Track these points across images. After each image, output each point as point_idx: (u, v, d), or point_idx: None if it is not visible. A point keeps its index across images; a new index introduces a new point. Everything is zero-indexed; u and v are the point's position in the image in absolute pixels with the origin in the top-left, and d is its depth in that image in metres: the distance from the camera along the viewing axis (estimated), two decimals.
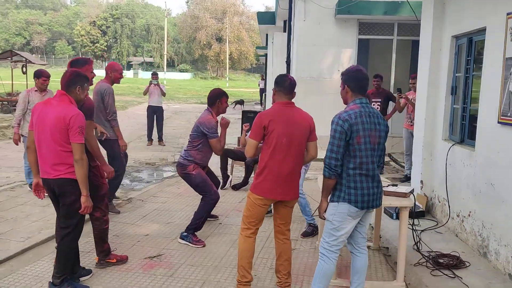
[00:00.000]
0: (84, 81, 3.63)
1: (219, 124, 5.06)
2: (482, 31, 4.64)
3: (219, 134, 4.99)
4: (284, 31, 16.35)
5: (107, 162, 5.22)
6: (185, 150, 5.09)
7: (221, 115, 5.13)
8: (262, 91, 25.71)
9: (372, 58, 10.57)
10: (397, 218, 5.68)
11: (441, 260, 4.25)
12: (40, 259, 4.35)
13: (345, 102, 3.41)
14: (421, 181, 5.90)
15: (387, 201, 3.81)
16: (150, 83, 11.42)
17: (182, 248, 4.76)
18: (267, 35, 20.79)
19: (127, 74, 68.50)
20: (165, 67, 57.70)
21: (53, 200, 3.65)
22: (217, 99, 5.02)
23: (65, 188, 3.47)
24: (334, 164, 3.14)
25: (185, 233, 4.93)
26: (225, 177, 7.44)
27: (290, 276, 3.75)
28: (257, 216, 3.57)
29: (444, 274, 4.01)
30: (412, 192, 4.07)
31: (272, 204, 3.70)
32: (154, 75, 11.57)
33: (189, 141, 5.10)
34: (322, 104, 10.24)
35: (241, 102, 24.20)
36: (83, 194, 3.48)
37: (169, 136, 13.04)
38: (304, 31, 10.23)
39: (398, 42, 10.37)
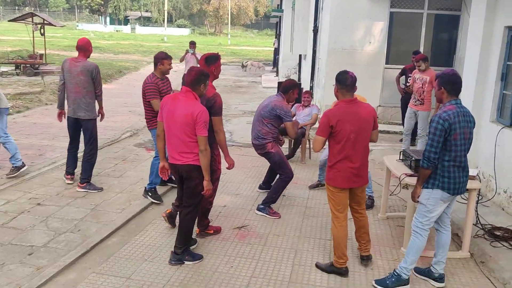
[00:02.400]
0: (207, 78, 4.08)
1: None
2: None
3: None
4: None
5: (85, 143, 5.92)
6: (255, 132, 5.57)
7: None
8: (276, 51, 25.81)
9: (403, 31, 10.87)
10: None
11: (497, 233, 4.86)
12: (143, 230, 4.90)
13: (440, 101, 3.86)
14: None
15: None
16: (187, 51, 11.75)
17: (261, 219, 5.34)
18: None
19: (124, 29, 67.52)
20: (165, 23, 56.90)
21: (179, 182, 4.19)
22: (290, 89, 5.56)
23: (191, 173, 4.00)
24: (433, 158, 3.65)
25: (262, 206, 5.50)
26: None
27: (369, 242, 4.34)
28: (341, 202, 4.05)
29: (503, 245, 4.63)
30: (478, 174, 4.61)
31: None
32: (192, 44, 11.93)
33: (257, 121, 5.56)
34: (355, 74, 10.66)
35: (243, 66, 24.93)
36: (205, 178, 4.01)
37: None
38: (337, 3, 10.47)
39: (428, 16, 10.66)
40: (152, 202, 5.62)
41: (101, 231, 4.73)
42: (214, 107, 4.26)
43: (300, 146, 7.94)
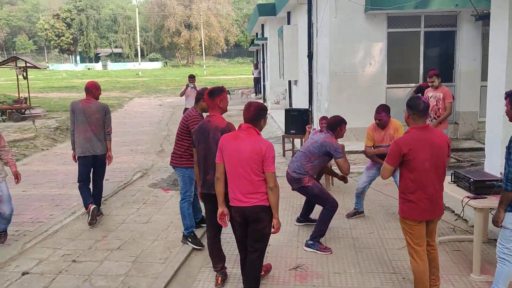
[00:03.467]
0: (266, 113, 3.86)
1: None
2: None
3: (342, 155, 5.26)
4: (288, 23, 16.59)
5: (100, 178, 6.40)
6: (297, 165, 5.34)
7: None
8: (257, 80, 25.87)
9: (402, 50, 10.95)
10: None
11: None
12: (195, 280, 4.56)
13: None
14: (500, 173, 6.35)
15: None
16: (187, 85, 11.57)
17: (313, 256, 5.06)
18: (263, 25, 20.92)
19: (96, 66, 67.07)
20: (139, 58, 56.71)
21: (240, 226, 3.88)
22: (338, 126, 5.37)
23: (260, 214, 3.73)
24: None
25: (311, 241, 5.22)
26: None
27: (439, 278, 4.11)
28: (419, 235, 3.83)
29: None
30: None
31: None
32: (191, 78, 11.76)
33: (303, 156, 5.35)
34: (356, 97, 10.64)
35: (228, 93, 24.43)
36: (275, 217, 3.76)
37: None
38: (336, 27, 10.48)
39: (425, 34, 10.79)
40: (194, 248, 5.28)
41: (152, 287, 4.37)
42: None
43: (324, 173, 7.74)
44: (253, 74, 26.56)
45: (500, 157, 6.36)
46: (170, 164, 5.53)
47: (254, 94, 26.19)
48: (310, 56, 12.59)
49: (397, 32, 10.84)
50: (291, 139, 10.33)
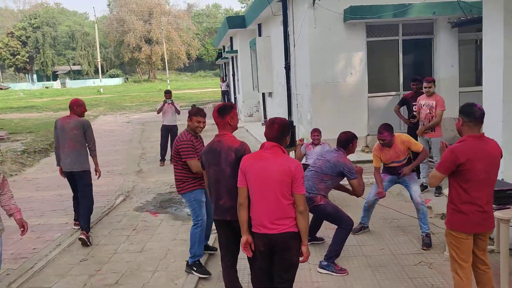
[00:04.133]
0: (290, 128, 3.56)
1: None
2: None
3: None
4: (259, 35, 16.43)
5: (81, 196, 6.28)
6: (309, 184, 5.04)
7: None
8: (225, 93, 25.58)
9: (381, 59, 10.92)
10: None
11: None
12: None
13: None
14: (502, 179, 6.28)
15: None
16: (164, 102, 11.12)
17: (329, 278, 4.77)
18: (231, 38, 20.71)
19: (54, 85, 65.05)
20: (100, 75, 55.34)
21: (264, 255, 3.52)
22: (350, 143, 5.09)
23: (289, 242, 3.40)
24: None
25: (326, 262, 4.93)
26: None
27: None
28: (467, 250, 3.62)
29: None
30: None
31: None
32: (168, 94, 11.30)
33: (315, 175, 5.07)
34: (339, 107, 10.51)
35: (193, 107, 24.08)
36: (304, 243, 3.44)
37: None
38: (315, 37, 10.35)
39: (403, 42, 10.81)
40: (200, 278, 4.88)
41: None
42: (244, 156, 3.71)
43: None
44: (220, 87, 26.24)
45: (502, 163, 6.29)
46: (178, 192, 5.11)
47: None
48: (287, 67, 12.43)
49: (376, 41, 10.81)
50: None
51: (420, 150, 5.72)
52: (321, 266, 4.94)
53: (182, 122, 18.05)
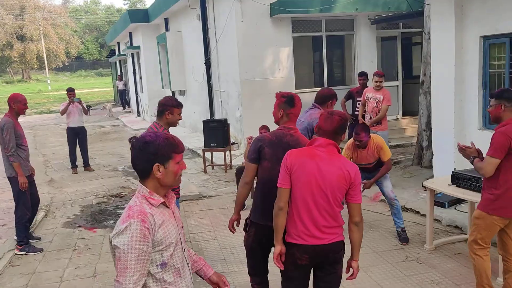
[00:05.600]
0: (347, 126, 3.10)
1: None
2: None
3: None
4: (166, 29, 15.58)
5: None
6: None
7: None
8: (122, 92, 24.03)
9: (307, 55, 10.88)
10: (449, 206, 6.22)
11: None
12: None
13: None
14: (454, 169, 6.46)
15: None
16: (71, 101, 9.74)
17: None
18: (130, 33, 19.43)
19: None
20: None
21: (305, 271, 3.00)
22: (329, 99, 4.64)
23: (339, 253, 2.94)
24: None
25: None
26: None
27: None
28: (493, 234, 3.62)
29: None
30: None
31: None
32: (71, 92, 9.92)
33: None
34: (269, 104, 10.15)
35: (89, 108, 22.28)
36: (356, 259, 2.99)
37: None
38: (243, 32, 9.94)
39: (327, 38, 10.87)
40: None
41: None
42: None
43: None
44: (117, 87, 24.58)
45: (453, 153, 6.48)
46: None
47: (122, 108, 24.31)
48: (207, 63, 11.86)
49: (301, 36, 10.74)
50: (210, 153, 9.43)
51: (386, 160, 5.41)
52: None
53: (89, 124, 16.40)
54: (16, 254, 5.49)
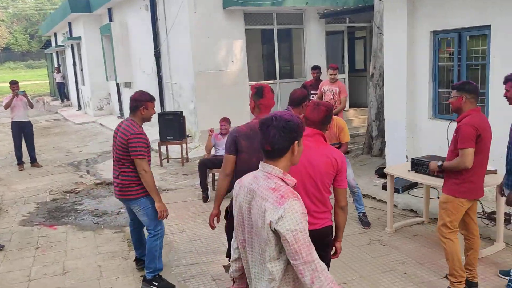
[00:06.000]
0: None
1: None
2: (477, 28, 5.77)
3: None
4: (110, 20, 15.14)
5: None
6: None
7: None
8: (60, 85, 23.02)
9: (258, 47, 11.00)
10: (403, 192, 6.60)
11: (494, 216, 5.22)
12: None
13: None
14: (406, 156, 6.88)
15: None
16: (15, 94, 9.26)
17: None
18: (70, 23, 18.62)
19: None
20: None
21: None
22: (304, 101, 4.63)
23: (330, 237, 3.11)
24: None
25: None
26: (205, 189, 6.97)
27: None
28: (460, 217, 3.87)
29: None
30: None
31: None
32: (15, 85, 9.41)
33: None
34: (223, 96, 10.27)
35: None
36: (339, 240, 3.19)
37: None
38: (195, 23, 9.90)
39: (278, 31, 11.05)
40: None
41: None
42: None
43: None
44: (55, 79, 23.50)
45: (405, 141, 6.90)
46: (118, 197, 4.27)
47: (60, 101, 23.30)
48: (157, 54, 11.69)
49: (254, 29, 10.85)
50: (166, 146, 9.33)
51: (345, 142, 5.47)
52: None
53: (32, 118, 15.61)
54: None
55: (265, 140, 2.10)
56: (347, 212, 3.16)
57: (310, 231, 2.95)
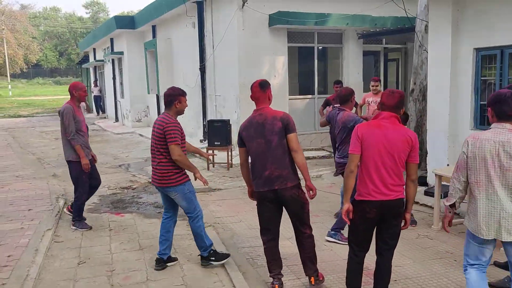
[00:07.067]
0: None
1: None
2: None
3: None
4: (154, 36, 16.01)
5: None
6: (339, 150, 5.45)
7: None
8: (98, 98, 24.00)
9: (299, 64, 11.62)
10: (445, 197, 6.97)
11: None
12: None
13: None
14: (448, 165, 7.29)
15: None
16: None
17: (337, 247, 5.11)
18: (112, 39, 19.61)
19: None
20: None
21: (371, 223, 3.61)
22: (350, 96, 5.51)
23: (401, 208, 3.57)
24: None
25: (333, 232, 5.35)
26: None
27: None
28: None
29: None
30: None
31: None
32: None
33: (340, 141, 5.43)
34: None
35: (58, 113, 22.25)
36: (409, 211, 3.64)
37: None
38: (244, 40, 10.57)
39: (318, 50, 11.67)
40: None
41: None
42: (289, 123, 4.03)
43: None
44: (92, 92, 24.51)
45: (447, 150, 7.32)
46: (157, 185, 4.62)
47: (96, 114, 24.25)
48: (202, 68, 12.38)
49: (295, 46, 11.48)
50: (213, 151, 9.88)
51: None
52: (329, 235, 5.37)
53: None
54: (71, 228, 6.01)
55: (509, 108, 3.17)
56: (417, 185, 3.63)
57: (384, 201, 3.50)
